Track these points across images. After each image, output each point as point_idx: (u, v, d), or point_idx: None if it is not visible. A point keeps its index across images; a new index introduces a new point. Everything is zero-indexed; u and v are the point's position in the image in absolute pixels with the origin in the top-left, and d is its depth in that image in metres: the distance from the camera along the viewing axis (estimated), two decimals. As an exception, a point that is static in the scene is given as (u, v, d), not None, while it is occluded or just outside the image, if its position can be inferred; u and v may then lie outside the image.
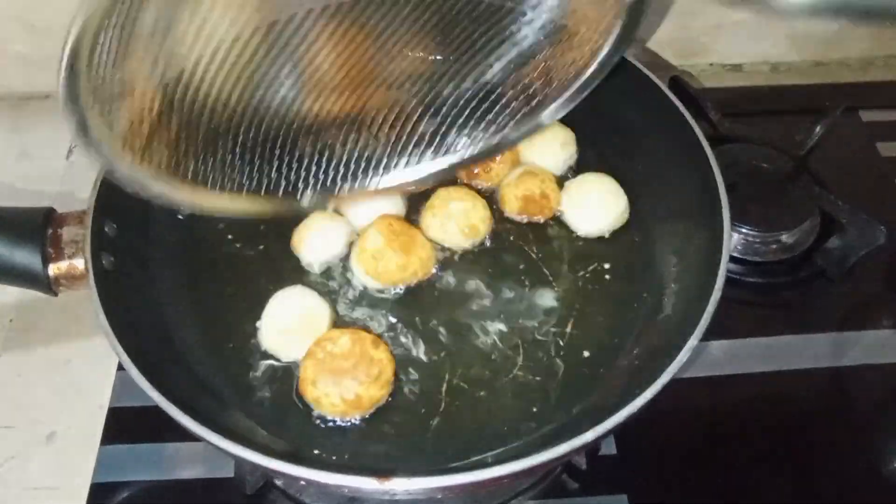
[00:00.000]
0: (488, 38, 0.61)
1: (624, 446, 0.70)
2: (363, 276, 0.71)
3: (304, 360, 0.64)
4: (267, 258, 0.73)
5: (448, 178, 0.73)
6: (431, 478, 0.52)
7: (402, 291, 0.71)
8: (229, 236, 0.74)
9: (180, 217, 0.73)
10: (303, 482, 0.53)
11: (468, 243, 0.73)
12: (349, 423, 0.63)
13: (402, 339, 0.68)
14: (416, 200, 0.76)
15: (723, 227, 0.65)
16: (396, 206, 0.75)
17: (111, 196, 0.65)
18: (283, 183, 0.61)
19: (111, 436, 0.70)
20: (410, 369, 0.66)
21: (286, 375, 0.66)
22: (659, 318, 0.68)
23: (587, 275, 0.72)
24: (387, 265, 0.69)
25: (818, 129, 0.90)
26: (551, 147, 0.79)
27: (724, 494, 0.69)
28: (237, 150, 0.58)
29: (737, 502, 0.69)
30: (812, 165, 0.89)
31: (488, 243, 0.75)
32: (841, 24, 1.03)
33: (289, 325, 0.66)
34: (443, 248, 0.74)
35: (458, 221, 0.73)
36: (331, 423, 0.63)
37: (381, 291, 0.71)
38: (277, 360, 0.66)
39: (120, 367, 0.70)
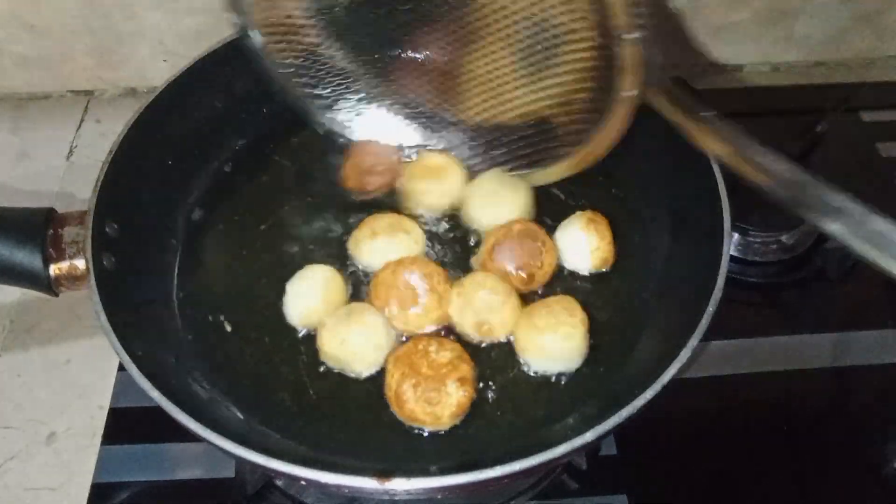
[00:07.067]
0: None
1: (624, 446, 0.70)
2: None
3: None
4: (268, 257, 0.73)
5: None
6: (431, 478, 0.52)
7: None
8: (231, 236, 0.75)
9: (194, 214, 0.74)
10: (303, 482, 0.53)
11: (478, 340, 0.66)
12: (355, 424, 0.63)
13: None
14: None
15: (723, 227, 0.65)
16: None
17: (112, 196, 0.65)
18: None
19: (111, 436, 0.70)
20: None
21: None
22: (659, 318, 0.68)
23: (587, 275, 0.72)
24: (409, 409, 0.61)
25: (818, 129, 0.90)
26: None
27: (723, 494, 0.69)
28: None
29: (736, 502, 0.69)
30: (812, 165, 0.89)
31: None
32: (841, 24, 1.03)
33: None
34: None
35: (476, 313, 0.65)
36: (336, 424, 0.63)
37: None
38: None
39: (120, 367, 0.70)
